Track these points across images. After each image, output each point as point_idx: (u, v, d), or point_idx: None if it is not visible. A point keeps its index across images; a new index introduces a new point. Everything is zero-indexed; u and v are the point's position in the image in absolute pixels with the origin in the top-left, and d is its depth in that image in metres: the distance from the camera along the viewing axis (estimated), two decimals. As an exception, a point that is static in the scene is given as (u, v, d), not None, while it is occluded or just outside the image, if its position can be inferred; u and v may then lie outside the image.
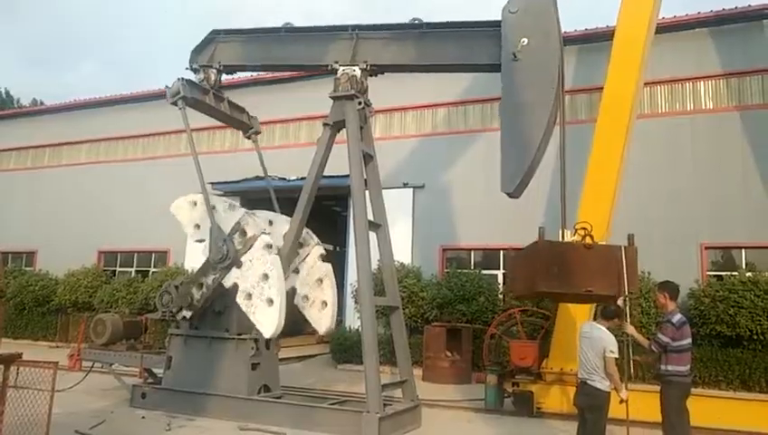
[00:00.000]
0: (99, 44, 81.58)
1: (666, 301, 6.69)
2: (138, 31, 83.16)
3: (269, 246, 8.90)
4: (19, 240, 22.45)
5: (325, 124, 9.79)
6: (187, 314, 9.43)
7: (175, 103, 9.84)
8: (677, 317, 6.47)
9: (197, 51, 10.88)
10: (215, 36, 10.86)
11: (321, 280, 10.38)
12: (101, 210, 21.09)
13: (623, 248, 6.30)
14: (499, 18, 8.13)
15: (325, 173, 10.19)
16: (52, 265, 20.69)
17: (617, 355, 6.14)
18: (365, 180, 9.51)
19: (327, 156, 9.86)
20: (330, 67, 9.62)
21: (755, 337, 11.75)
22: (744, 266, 13.30)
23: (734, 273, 12.90)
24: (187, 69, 10.80)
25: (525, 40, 7.50)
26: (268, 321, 8.55)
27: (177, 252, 19.10)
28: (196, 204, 9.89)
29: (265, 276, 8.68)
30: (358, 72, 9.44)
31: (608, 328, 6.29)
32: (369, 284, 8.53)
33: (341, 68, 9.48)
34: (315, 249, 10.54)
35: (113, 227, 20.67)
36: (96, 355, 10.28)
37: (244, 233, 9.13)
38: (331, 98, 9.63)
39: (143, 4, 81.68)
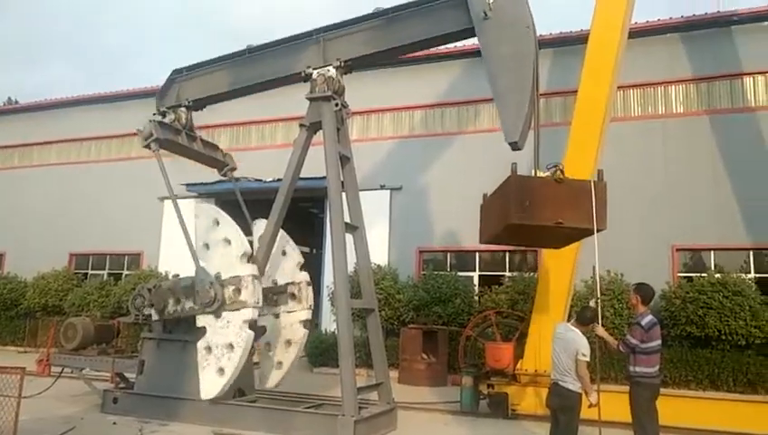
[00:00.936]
0: (70, 44, 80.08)
1: (637, 302, 6.80)
2: (113, 29, 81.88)
3: (249, 323, 8.42)
4: (-14, 242, 21.93)
5: (301, 125, 9.75)
6: (154, 315, 9.28)
7: (148, 146, 9.70)
8: (647, 319, 6.56)
9: (161, 95, 10.82)
10: (176, 76, 10.78)
11: (289, 342, 10.21)
12: (73, 212, 20.72)
13: (593, 183, 6.38)
14: None
15: (302, 175, 10.14)
16: (21, 267, 20.23)
17: (588, 359, 6.20)
18: (342, 182, 9.50)
19: (303, 157, 9.81)
20: (303, 73, 9.58)
21: (723, 337, 12.00)
22: (713, 268, 13.56)
23: (703, 274, 13.15)
24: (154, 114, 10.63)
25: None
26: (210, 386, 8.36)
27: (151, 255, 18.86)
28: (218, 223, 9.18)
29: (231, 346, 8.35)
30: (333, 71, 9.41)
31: (582, 332, 6.35)
32: (345, 286, 8.50)
33: (316, 71, 9.45)
34: (302, 313, 10.28)
35: (85, 228, 20.33)
36: (66, 360, 10.08)
37: (238, 292, 8.51)
38: (308, 99, 9.59)
39: (119, 2, 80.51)
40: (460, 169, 16.26)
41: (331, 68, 9.42)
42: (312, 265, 24.45)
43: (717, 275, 12.60)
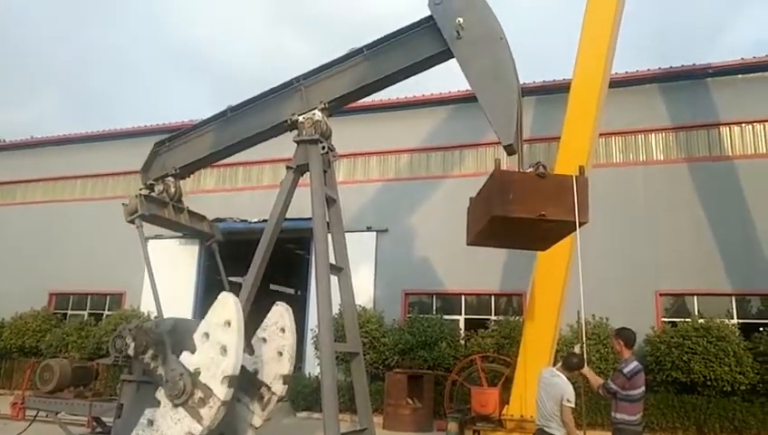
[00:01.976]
0: (56, 82, 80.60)
1: (621, 348, 6.79)
2: (99, 69, 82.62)
3: None
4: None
5: (288, 167, 9.78)
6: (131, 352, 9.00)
7: (132, 222, 9.59)
8: (631, 367, 6.52)
9: (145, 169, 10.77)
10: (158, 149, 10.82)
11: None
12: (55, 251, 20.49)
13: (574, 178, 6.42)
14: (428, 14, 8.47)
15: (288, 216, 10.14)
16: (-1, 307, 19.83)
17: (573, 405, 6.17)
18: (328, 223, 9.51)
19: (290, 199, 9.81)
20: (289, 121, 9.69)
21: (709, 383, 11.99)
22: (696, 313, 13.65)
23: (687, 320, 13.22)
24: (141, 189, 10.57)
25: (460, 18, 7.88)
26: None
27: (134, 295, 18.59)
28: (229, 325, 9.05)
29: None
30: (319, 114, 9.53)
31: (568, 378, 6.33)
32: (329, 329, 8.40)
33: (301, 116, 9.57)
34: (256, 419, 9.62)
35: (67, 268, 20.07)
36: (41, 403, 9.75)
37: (203, 403, 8.04)
38: (295, 142, 9.68)
39: (104, 42, 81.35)
40: (446, 213, 16.34)
41: (316, 111, 9.55)
42: (296, 306, 24.36)
43: (701, 321, 12.69)
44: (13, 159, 23.04)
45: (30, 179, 22.42)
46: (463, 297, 16.26)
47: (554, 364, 8.29)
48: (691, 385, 12.21)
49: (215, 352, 8.26)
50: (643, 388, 6.57)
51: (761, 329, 13.02)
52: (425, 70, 9.32)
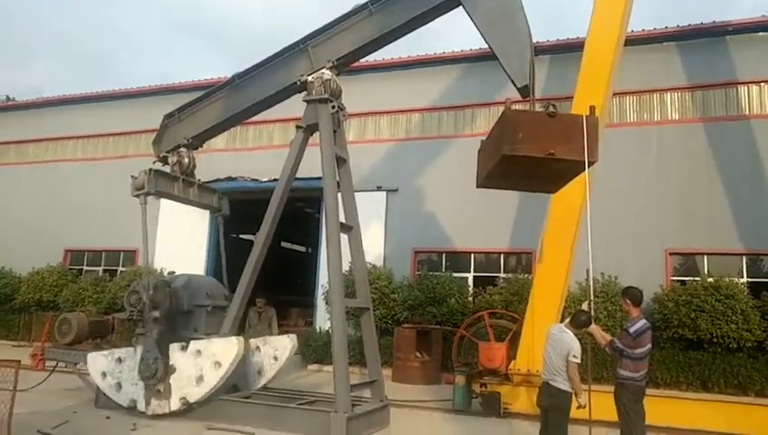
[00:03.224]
0: (62, 42, 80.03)
1: (629, 307, 6.86)
2: (104, 28, 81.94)
3: None
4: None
5: (298, 127, 9.81)
6: (156, 313, 9.30)
7: (137, 196, 9.66)
8: (637, 326, 6.60)
9: (157, 142, 10.88)
10: (168, 121, 10.83)
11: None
12: (69, 208, 20.75)
13: (584, 117, 6.41)
14: None
15: (298, 175, 10.20)
16: (15, 262, 20.20)
17: (579, 361, 6.28)
18: (338, 183, 9.57)
19: (300, 159, 9.88)
20: (298, 83, 9.65)
21: (715, 340, 12.10)
22: (706, 272, 13.68)
23: (696, 278, 13.26)
24: (154, 162, 10.70)
25: None
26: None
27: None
28: (220, 366, 8.93)
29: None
30: (328, 73, 9.48)
31: (575, 335, 6.42)
32: (339, 285, 8.57)
33: (311, 76, 9.51)
34: None
35: (81, 225, 20.39)
36: (60, 354, 10.10)
37: (168, 393, 8.76)
38: (305, 102, 9.66)
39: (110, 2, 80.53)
40: (456, 173, 16.29)
41: (325, 70, 9.49)
42: (307, 264, 24.67)
43: (710, 279, 12.70)
44: (24, 118, 23.15)
45: (41, 138, 22.57)
46: (472, 255, 16.35)
47: (562, 321, 8.42)
48: (697, 342, 12.32)
49: (195, 372, 8.64)
50: (649, 346, 6.66)
51: (769, 288, 13.05)
52: (431, 21, 9.22)
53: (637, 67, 14.65)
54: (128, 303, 9.37)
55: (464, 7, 8.07)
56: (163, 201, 18.50)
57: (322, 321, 16.22)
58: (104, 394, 9.17)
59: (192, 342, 8.83)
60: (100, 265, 20.51)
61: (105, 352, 9.52)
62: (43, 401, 9.14)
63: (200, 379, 8.65)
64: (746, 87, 14.82)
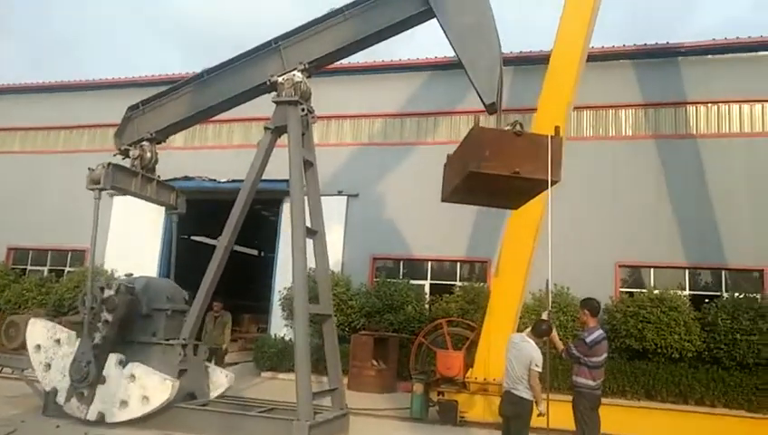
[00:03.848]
0: (18, 21, 76.76)
1: (587, 317, 7.11)
2: (59, 16, 79.09)
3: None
4: None
5: (266, 128, 9.72)
6: (109, 317, 9.03)
7: (92, 190, 9.40)
8: (593, 336, 6.86)
9: (119, 134, 10.62)
10: (131, 113, 10.59)
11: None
12: (13, 205, 19.82)
13: (549, 137, 6.59)
14: None
15: None
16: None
17: (540, 370, 6.45)
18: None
19: (267, 160, 9.79)
20: (268, 82, 9.57)
21: (659, 350, 12.60)
22: (652, 284, 14.22)
23: (643, 290, 13.79)
24: (114, 155, 10.46)
25: None
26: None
27: (96, 252, 18.18)
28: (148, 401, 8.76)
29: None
30: (299, 75, 9.44)
31: (536, 344, 6.59)
32: (304, 291, 8.53)
33: (281, 77, 9.45)
34: None
35: (26, 222, 19.51)
36: (6, 360, 9.68)
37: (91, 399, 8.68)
38: (274, 102, 9.58)
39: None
40: (417, 180, 16.44)
41: (296, 72, 9.45)
42: (259, 267, 24.32)
43: (656, 292, 13.22)
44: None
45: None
46: (429, 263, 16.53)
47: (519, 330, 8.61)
48: (643, 352, 12.78)
49: (122, 395, 8.52)
50: (605, 355, 6.94)
51: (706, 300, 13.69)
52: (406, 30, 9.30)
53: (594, 83, 15.11)
54: (81, 304, 9.05)
55: (437, 20, 8.18)
56: (115, 201, 18.10)
57: (278, 327, 16.09)
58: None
59: (131, 364, 8.61)
60: (45, 265, 19.71)
61: (48, 325, 9.33)
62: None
63: (124, 404, 8.48)
64: (695, 107, 15.52)
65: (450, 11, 8.00)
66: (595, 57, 14.82)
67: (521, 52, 16.23)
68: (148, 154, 10.34)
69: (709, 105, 15.43)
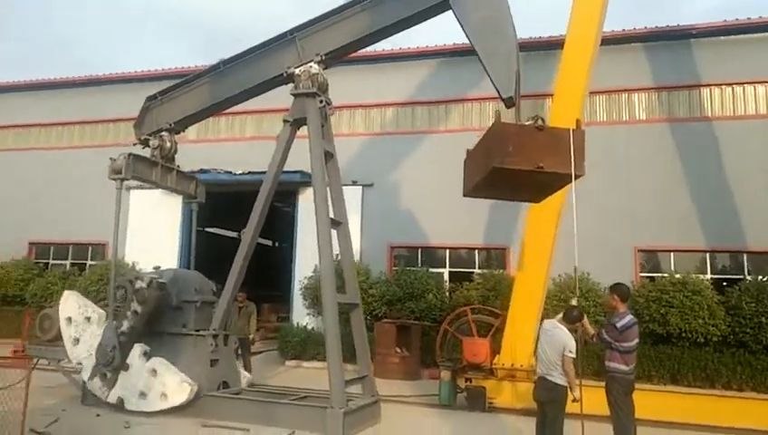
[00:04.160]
0: (19, 22, 76.67)
1: (616, 303, 7.13)
2: (66, 12, 78.95)
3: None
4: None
5: (285, 121, 9.78)
6: (138, 308, 9.16)
7: (113, 179, 9.58)
8: (624, 321, 6.89)
9: (138, 125, 10.74)
10: (150, 104, 10.68)
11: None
12: (34, 200, 20.11)
13: (571, 131, 6.63)
14: None
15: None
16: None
17: (574, 356, 6.53)
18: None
19: (287, 153, 9.85)
20: (285, 74, 9.61)
21: (684, 335, 12.64)
22: (672, 269, 14.25)
23: (665, 275, 13.80)
24: (135, 144, 10.60)
25: None
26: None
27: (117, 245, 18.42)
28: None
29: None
30: (316, 67, 9.47)
31: (568, 330, 6.67)
32: (331, 281, 8.61)
33: (298, 69, 9.49)
34: None
35: (46, 218, 19.79)
36: (42, 351, 9.85)
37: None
38: (292, 95, 9.62)
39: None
40: (430, 168, 16.55)
41: (313, 64, 9.48)
42: (275, 258, 24.49)
43: (678, 276, 13.24)
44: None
45: (4, 125, 21.72)
46: (447, 251, 16.61)
47: (544, 316, 8.71)
48: (667, 337, 12.83)
49: (141, 386, 8.76)
50: (637, 340, 6.97)
51: (724, 283, 13.72)
52: (422, 21, 9.27)
53: (606, 67, 15.02)
54: (113, 298, 9.19)
55: (454, 13, 8.15)
56: (133, 195, 18.27)
57: (300, 316, 16.23)
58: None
59: (154, 358, 8.82)
60: (66, 259, 19.94)
61: (81, 300, 9.64)
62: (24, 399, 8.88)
63: (143, 395, 8.73)
64: (709, 89, 15.46)
65: (467, 4, 7.98)
66: (606, 41, 14.68)
67: (530, 37, 16.13)
68: (168, 144, 10.47)
69: (723, 87, 15.36)
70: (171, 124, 10.49)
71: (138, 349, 8.91)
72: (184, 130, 11.08)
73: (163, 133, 10.47)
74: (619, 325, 6.88)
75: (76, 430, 7.71)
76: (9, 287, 17.98)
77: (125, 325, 8.88)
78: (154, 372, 8.71)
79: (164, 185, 10.62)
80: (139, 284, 8.89)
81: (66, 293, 9.94)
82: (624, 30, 15.88)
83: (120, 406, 8.75)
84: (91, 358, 9.07)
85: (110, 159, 9.76)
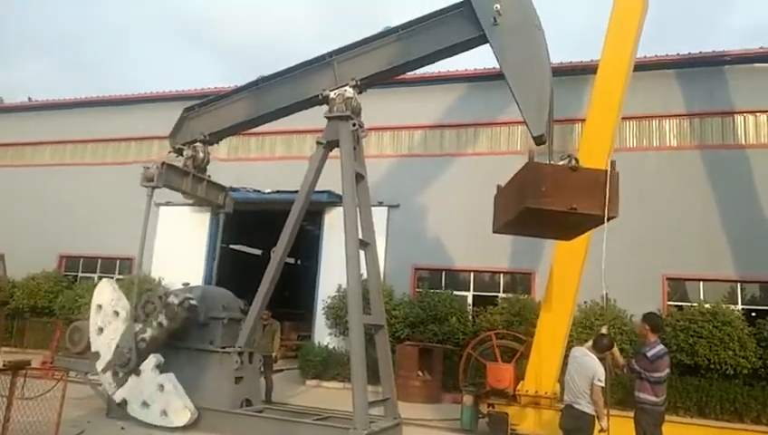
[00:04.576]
0: (53, 43, 79.23)
1: (647, 332, 7.04)
2: (99, 32, 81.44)
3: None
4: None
5: (318, 143, 9.94)
6: (165, 322, 9.27)
7: (146, 187, 9.86)
8: (655, 350, 6.80)
9: (174, 134, 11.03)
10: (188, 113, 10.97)
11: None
12: (65, 214, 20.57)
13: (606, 172, 6.58)
14: None
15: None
16: (9, 267, 19.88)
17: (603, 384, 6.44)
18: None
19: (319, 174, 9.99)
20: (320, 96, 9.82)
21: (712, 366, 12.34)
22: (702, 298, 13.97)
23: (694, 304, 13.53)
24: (170, 153, 10.89)
25: (498, 5, 8.03)
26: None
27: (143, 260, 18.68)
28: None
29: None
30: (350, 91, 9.65)
31: (597, 358, 6.59)
32: (358, 302, 8.66)
33: (332, 92, 9.67)
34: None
35: (77, 231, 20.19)
36: (71, 363, 10.02)
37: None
38: (326, 118, 9.80)
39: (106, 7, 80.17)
40: (457, 191, 16.57)
41: (348, 88, 9.66)
42: (297, 276, 24.61)
43: (707, 305, 12.98)
44: (21, 120, 22.99)
45: (39, 141, 22.40)
46: (471, 274, 16.53)
47: (570, 343, 8.59)
48: (695, 367, 12.54)
49: (145, 397, 8.95)
50: (667, 371, 6.85)
51: (754, 314, 13.40)
52: (457, 54, 9.43)
53: (637, 93, 14.96)
54: (143, 312, 9.34)
55: (491, 47, 8.24)
56: (162, 211, 18.59)
57: (321, 335, 16.25)
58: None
59: (165, 375, 8.94)
60: (95, 272, 20.31)
61: (116, 294, 9.84)
62: (52, 410, 9.02)
63: (146, 405, 8.85)
64: (743, 117, 15.26)
65: (504, 39, 8.06)
66: (637, 66, 14.68)
67: (560, 63, 16.14)
68: (201, 154, 10.70)
69: (758, 115, 15.15)
70: (206, 136, 10.73)
71: (152, 360, 9.01)
72: (218, 143, 11.31)
73: (197, 144, 10.71)
74: (649, 355, 6.79)
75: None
76: (39, 299, 18.35)
77: (148, 333, 9.04)
78: (161, 387, 8.80)
79: (194, 194, 10.82)
80: (171, 299, 9.03)
81: (104, 281, 10.24)
82: (656, 56, 15.81)
83: (122, 406, 8.98)
84: (108, 351, 9.22)
85: (144, 166, 10.01)
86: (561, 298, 10.08)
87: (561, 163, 6.79)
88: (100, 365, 9.27)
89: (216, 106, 10.85)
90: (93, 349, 9.48)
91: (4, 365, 6.01)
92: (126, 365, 8.94)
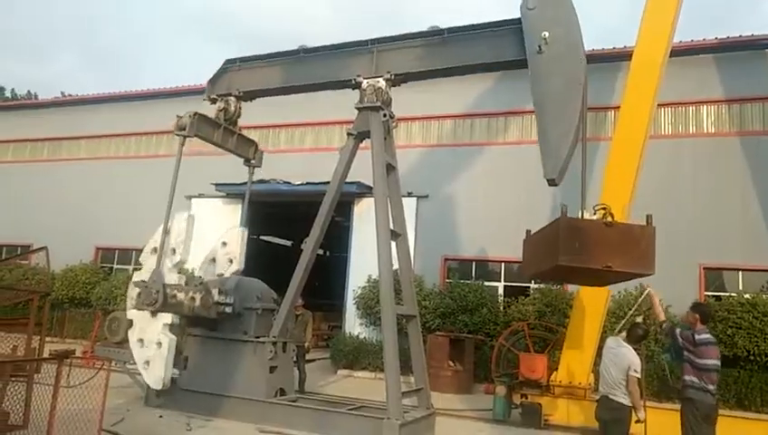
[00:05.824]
0: (81, 38, 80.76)
1: (695, 322, 6.81)
2: (125, 28, 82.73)
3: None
4: (14, 233, 22.22)
5: (349, 134, 9.95)
6: (197, 305, 9.20)
7: (178, 135, 9.88)
8: (702, 336, 6.59)
9: (213, 81, 11.02)
10: (228, 66, 10.97)
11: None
12: (100, 206, 21.08)
13: (641, 228, 6.44)
14: (518, 16, 8.39)
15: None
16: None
17: (639, 375, 6.34)
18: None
19: (350, 165, 10.00)
20: (353, 81, 9.77)
21: (752, 358, 12.08)
22: (741, 288, 13.64)
23: (732, 294, 13.23)
24: (204, 100, 10.94)
25: (546, 33, 7.70)
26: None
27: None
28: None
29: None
30: (383, 83, 9.60)
31: (633, 349, 6.49)
32: (390, 293, 8.64)
33: (366, 80, 9.64)
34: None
35: (112, 223, 20.64)
36: (110, 352, 10.24)
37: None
38: (357, 109, 9.78)
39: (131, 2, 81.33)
40: (487, 180, 16.45)
41: (381, 79, 9.61)
42: (327, 267, 24.77)
43: (747, 296, 12.67)
44: (57, 115, 23.57)
45: (75, 136, 22.91)
46: (502, 265, 16.40)
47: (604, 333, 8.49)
48: (733, 359, 12.25)
49: (150, 349, 8.76)
50: (715, 361, 6.55)
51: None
52: (492, 71, 9.21)
53: (673, 79, 14.58)
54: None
55: (530, 74, 7.97)
56: (194, 202, 18.87)
57: (352, 326, 16.34)
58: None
59: (168, 336, 8.71)
60: (130, 264, 20.73)
61: (185, 235, 9.65)
62: (92, 398, 9.26)
63: (140, 342, 8.83)
64: (786, 101, 14.78)
65: (543, 70, 7.69)
66: (673, 52, 14.32)
67: (592, 49, 15.81)
68: (232, 108, 10.75)
69: (802, 98, 14.67)
70: (240, 92, 10.78)
71: (169, 318, 8.84)
72: (251, 100, 11.32)
73: (230, 98, 10.78)
74: (697, 338, 6.59)
75: (139, 430, 7.97)
76: (77, 290, 18.84)
77: (179, 297, 8.93)
78: (159, 344, 8.67)
79: (225, 146, 10.84)
80: (214, 292, 9.13)
81: (184, 214, 9.94)
82: (692, 41, 15.40)
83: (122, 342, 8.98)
84: (144, 279, 9.07)
85: (177, 115, 10.04)
86: (596, 290, 9.95)
87: (594, 218, 6.62)
88: (130, 305, 9.10)
89: (255, 65, 10.85)
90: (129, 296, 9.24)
91: (50, 355, 6.14)
92: (153, 304, 8.76)
